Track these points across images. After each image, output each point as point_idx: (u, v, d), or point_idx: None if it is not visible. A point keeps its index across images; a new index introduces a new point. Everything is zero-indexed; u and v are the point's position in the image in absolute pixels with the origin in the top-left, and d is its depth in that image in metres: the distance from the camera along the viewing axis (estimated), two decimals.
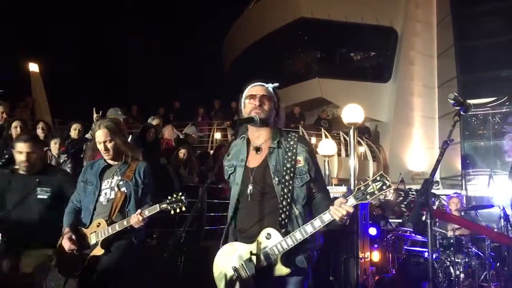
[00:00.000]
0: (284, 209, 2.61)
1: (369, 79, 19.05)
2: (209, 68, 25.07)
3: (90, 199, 3.42)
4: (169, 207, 3.13)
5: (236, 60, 23.69)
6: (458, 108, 2.55)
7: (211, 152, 10.03)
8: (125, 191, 3.41)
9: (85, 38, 21.85)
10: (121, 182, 3.43)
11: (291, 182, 2.65)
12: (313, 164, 2.74)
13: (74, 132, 6.73)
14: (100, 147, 3.48)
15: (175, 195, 3.15)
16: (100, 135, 3.46)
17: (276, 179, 2.67)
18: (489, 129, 17.34)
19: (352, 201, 2.42)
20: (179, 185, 6.70)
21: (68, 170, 6.10)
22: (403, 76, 18.36)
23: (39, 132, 6.71)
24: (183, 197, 3.13)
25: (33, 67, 14.42)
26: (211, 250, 6.59)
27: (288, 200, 2.63)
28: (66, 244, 3.30)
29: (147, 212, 3.20)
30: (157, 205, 3.18)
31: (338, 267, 6.83)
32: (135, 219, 3.20)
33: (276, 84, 2.85)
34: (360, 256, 7.10)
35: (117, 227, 3.27)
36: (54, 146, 6.27)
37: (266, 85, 2.83)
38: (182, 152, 6.91)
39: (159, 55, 23.69)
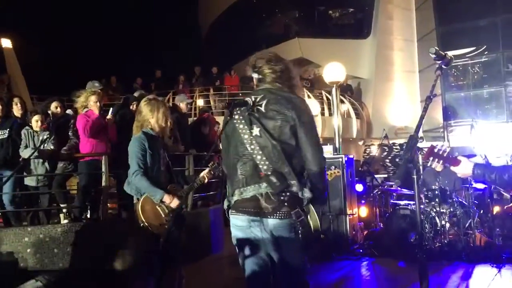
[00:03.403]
0: None
1: (349, 36, 18.83)
2: (187, 34, 24.62)
3: (157, 167, 3.96)
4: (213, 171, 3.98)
5: (213, 25, 23.21)
6: (439, 62, 2.55)
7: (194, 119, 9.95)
8: (166, 158, 4.11)
9: (58, 10, 21.23)
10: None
11: None
12: None
13: (55, 110, 6.61)
14: (169, 121, 4.10)
15: (212, 163, 4.01)
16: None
17: None
18: (469, 79, 17.45)
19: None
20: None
21: (52, 146, 6.05)
22: (382, 31, 18.24)
23: (16, 109, 6.54)
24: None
25: (6, 43, 13.98)
26: (201, 216, 6.69)
27: None
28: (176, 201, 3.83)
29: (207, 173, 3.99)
30: (209, 168, 3.95)
31: (327, 225, 6.97)
32: (207, 177, 3.97)
33: None
34: (349, 213, 7.25)
35: (195, 185, 4.12)
36: (35, 123, 6.12)
37: None
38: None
39: (134, 23, 23.16)
